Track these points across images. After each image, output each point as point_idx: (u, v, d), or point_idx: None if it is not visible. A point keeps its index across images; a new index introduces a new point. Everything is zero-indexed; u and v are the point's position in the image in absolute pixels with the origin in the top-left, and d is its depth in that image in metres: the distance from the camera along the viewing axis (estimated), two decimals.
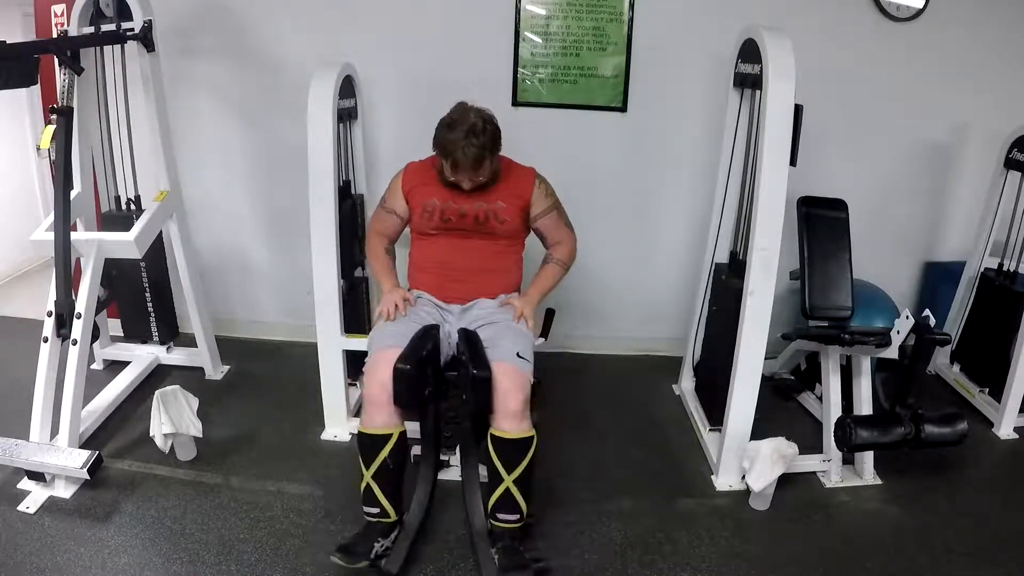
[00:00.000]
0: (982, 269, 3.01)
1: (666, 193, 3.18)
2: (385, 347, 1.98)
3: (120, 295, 2.99)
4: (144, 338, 3.08)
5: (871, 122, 3.10)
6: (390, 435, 1.93)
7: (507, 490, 1.92)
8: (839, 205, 2.59)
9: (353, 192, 2.88)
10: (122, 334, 3.13)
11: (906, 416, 2.22)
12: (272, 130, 3.08)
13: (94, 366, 3.00)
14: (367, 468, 1.94)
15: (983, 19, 2.99)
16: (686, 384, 3.01)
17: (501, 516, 1.95)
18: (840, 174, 3.07)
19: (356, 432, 2.00)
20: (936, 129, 3.17)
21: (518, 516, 1.95)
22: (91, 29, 2.51)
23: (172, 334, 3.13)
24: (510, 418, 1.90)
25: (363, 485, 1.96)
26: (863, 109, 3.07)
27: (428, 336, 2.03)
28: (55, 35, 2.80)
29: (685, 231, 3.19)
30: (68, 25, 2.56)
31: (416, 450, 2.40)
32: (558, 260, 2.29)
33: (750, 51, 2.28)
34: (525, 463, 1.91)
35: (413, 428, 2.08)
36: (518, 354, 1.99)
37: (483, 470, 2.26)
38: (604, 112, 3.06)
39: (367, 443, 1.93)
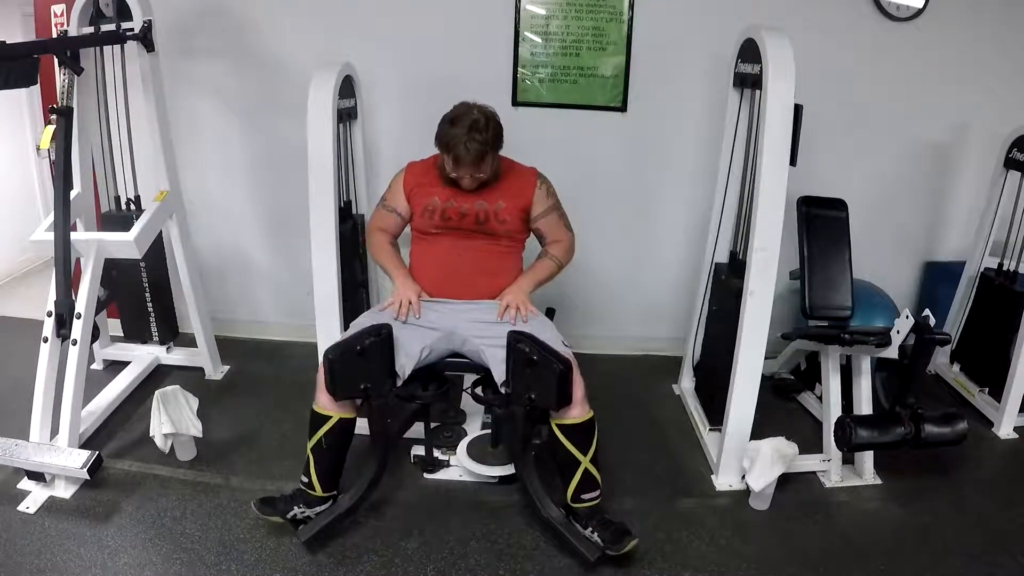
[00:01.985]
0: (982, 269, 3.01)
1: (666, 193, 3.18)
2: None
3: (120, 295, 2.99)
4: (144, 338, 3.08)
5: (871, 122, 3.10)
6: (328, 417, 2.02)
7: (586, 471, 2.01)
8: (839, 205, 2.59)
9: (354, 212, 2.88)
10: (122, 334, 3.13)
11: (906, 416, 2.21)
12: (272, 130, 3.08)
13: (94, 366, 3.00)
14: (308, 440, 2.05)
15: (983, 19, 2.99)
16: (686, 384, 3.01)
17: (585, 497, 2.02)
18: (840, 174, 3.07)
19: None
20: (936, 129, 3.17)
21: (599, 491, 2.05)
22: (91, 29, 2.51)
23: (172, 334, 3.13)
24: (579, 405, 2.00)
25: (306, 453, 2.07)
26: (863, 109, 3.07)
27: (372, 333, 1.98)
28: (55, 35, 2.81)
29: (685, 231, 3.19)
30: (68, 25, 2.56)
31: (417, 450, 2.41)
32: (552, 256, 2.30)
33: (750, 51, 2.28)
34: (595, 440, 2.03)
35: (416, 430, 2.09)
36: (563, 343, 2.08)
37: (475, 467, 2.30)
38: (604, 112, 3.05)
39: (312, 418, 2.05)
